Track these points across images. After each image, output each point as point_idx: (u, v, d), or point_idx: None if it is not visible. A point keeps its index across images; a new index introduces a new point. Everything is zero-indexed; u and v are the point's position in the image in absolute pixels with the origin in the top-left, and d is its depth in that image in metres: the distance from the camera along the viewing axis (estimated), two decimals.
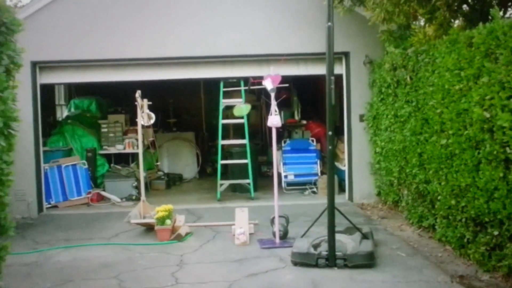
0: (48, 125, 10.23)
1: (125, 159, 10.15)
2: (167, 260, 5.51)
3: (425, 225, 6.19)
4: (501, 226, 4.40)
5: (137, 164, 8.51)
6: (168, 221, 6.22)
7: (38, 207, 8.07)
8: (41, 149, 8.35)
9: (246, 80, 8.00)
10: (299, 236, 5.60)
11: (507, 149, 4.18)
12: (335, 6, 6.86)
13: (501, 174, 4.29)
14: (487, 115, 4.43)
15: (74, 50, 7.95)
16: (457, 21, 6.56)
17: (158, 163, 10.83)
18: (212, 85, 10.39)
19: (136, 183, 9.08)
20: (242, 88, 8.64)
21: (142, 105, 6.81)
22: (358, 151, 8.36)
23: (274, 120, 5.92)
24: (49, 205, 8.46)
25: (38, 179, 8.13)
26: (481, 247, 4.74)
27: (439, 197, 5.58)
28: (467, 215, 4.94)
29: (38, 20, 7.74)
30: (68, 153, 9.37)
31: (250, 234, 6.19)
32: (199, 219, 7.39)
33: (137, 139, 8.62)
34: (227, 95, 8.92)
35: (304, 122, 11.41)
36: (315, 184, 9.20)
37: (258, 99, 11.86)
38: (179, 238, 6.21)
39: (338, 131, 8.88)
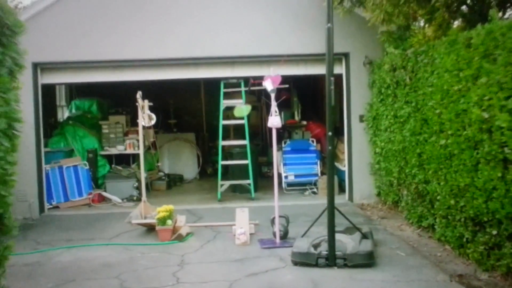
0: (50, 126, 10.27)
1: (126, 160, 10.19)
2: (168, 260, 5.54)
3: (424, 225, 6.22)
4: (499, 225, 4.43)
5: (138, 165, 8.54)
6: (169, 222, 6.25)
7: (40, 208, 8.10)
8: (43, 150, 8.39)
9: (246, 80, 8.04)
10: (299, 236, 5.63)
11: (506, 149, 4.21)
12: (335, 7, 6.90)
13: (500, 174, 4.32)
14: (486, 115, 4.46)
15: (75, 51, 7.99)
16: (456, 22, 6.59)
17: (159, 164, 10.86)
18: (212, 86, 10.43)
19: (137, 183, 9.12)
20: (243, 89, 8.68)
21: (143, 106, 6.84)
22: (358, 152, 8.39)
23: (274, 120, 5.94)
24: (51, 206, 8.50)
25: (40, 180, 8.17)
26: (480, 247, 4.77)
27: (438, 197, 5.61)
28: (466, 215, 4.97)
29: (39, 22, 7.78)
30: (69, 154, 9.40)
31: (251, 234, 6.22)
32: (200, 219, 7.42)
33: (138, 140, 8.65)
34: (228, 96, 8.96)
35: (304, 122, 11.44)
36: (315, 184, 9.23)
37: (259, 100, 11.89)
38: (180, 238, 6.24)
39: (338, 132, 8.92)
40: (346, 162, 8.60)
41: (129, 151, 9.91)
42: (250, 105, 8.14)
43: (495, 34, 4.35)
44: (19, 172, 3.50)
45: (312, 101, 12.30)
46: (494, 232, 4.50)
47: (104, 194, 9.13)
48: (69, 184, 8.75)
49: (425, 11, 6.19)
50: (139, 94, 6.78)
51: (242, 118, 8.57)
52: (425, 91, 5.88)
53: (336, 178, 8.38)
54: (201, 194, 9.65)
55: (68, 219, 7.84)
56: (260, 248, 5.85)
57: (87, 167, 9.10)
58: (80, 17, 8.06)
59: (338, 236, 5.17)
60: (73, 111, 11.54)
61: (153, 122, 7.04)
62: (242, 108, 7.66)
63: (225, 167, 9.24)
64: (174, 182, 10.74)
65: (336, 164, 8.95)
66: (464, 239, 5.10)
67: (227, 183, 8.99)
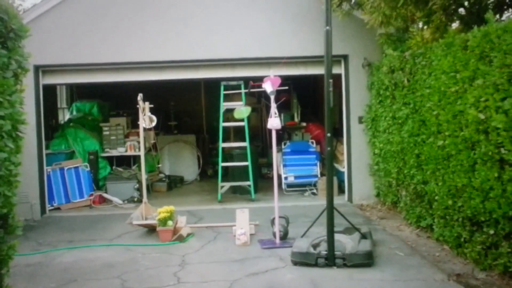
0: (51, 128, 10.34)
1: (127, 161, 10.23)
2: (169, 260, 5.59)
3: (423, 225, 6.27)
4: (496, 225, 4.49)
5: (139, 167, 8.60)
6: (169, 222, 6.30)
7: (41, 209, 8.15)
8: (44, 152, 8.45)
9: (246, 81, 8.10)
10: (299, 236, 5.69)
11: (502, 149, 4.27)
12: (334, 10, 6.96)
13: (496, 174, 4.38)
14: (482, 116, 4.52)
15: (76, 54, 8.05)
16: (455, 24, 6.63)
17: (160, 166, 10.91)
18: (212, 87, 10.49)
19: (137, 185, 9.16)
20: (243, 91, 8.73)
21: (144, 108, 6.89)
22: (357, 153, 8.44)
23: (274, 122, 5.99)
24: (52, 207, 8.55)
25: (41, 181, 8.22)
26: (477, 246, 4.82)
27: (436, 197, 5.66)
28: (463, 215, 5.03)
29: (40, 25, 7.84)
30: (71, 155, 9.44)
31: (251, 234, 6.26)
32: (200, 220, 7.47)
33: (138, 142, 8.69)
34: (228, 98, 9.01)
35: (304, 124, 11.49)
36: (315, 185, 9.28)
37: (259, 102, 11.95)
38: (181, 239, 6.29)
39: (337, 133, 8.97)
40: (345, 163, 8.65)
41: (130, 152, 9.96)
42: (250, 107, 8.19)
43: (491, 36, 4.41)
44: (21, 173, 3.55)
45: (311, 102, 12.36)
46: (491, 232, 4.55)
47: (105, 195, 9.17)
48: (70, 185, 8.80)
49: (422, 13, 6.23)
50: (140, 96, 6.83)
51: (242, 120, 8.62)
52: (422, 92, 5.94)
53: (335, 179, 8.47)
54: (202, 195, 9.70)
55: (70, 220, 7.89)
56: (260, 248, 5.90)
57: (88, 168, 9.15)
58: (81, 20, 8.12)
59: (337, 236, 5.22)
60: (74, 113, 11.58)
61: (153, 124, 7.07)
62: (242, 110, 7.70)
63: (225, 169, 9.29)
64: (175, 183, 10.80)
65: (336, 165, 9.02)
66: (462, 239, 5.15)
67: (228, 185, 9.04)
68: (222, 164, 9.00)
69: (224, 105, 8.92)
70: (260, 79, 6.22)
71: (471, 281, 4.65)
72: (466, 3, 6.16)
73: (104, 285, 4.91)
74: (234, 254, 5.70)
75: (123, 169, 9.69)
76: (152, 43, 8.12)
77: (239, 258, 5.54)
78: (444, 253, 5.50)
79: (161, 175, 10.80)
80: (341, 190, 8.88)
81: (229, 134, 10.83)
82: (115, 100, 11.86)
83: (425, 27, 6.73)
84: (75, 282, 4.98)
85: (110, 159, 10.00)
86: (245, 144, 8.97)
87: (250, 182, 8.86)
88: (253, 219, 6.59)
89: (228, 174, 9.52)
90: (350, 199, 8.53)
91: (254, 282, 4.83)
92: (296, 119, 11.89)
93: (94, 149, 9.70)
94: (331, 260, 5.05)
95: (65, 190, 8.76)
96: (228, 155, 9.57)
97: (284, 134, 11.13)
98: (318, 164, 9.70)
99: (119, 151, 9.91)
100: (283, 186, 9.46)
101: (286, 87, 6.46)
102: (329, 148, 5.26)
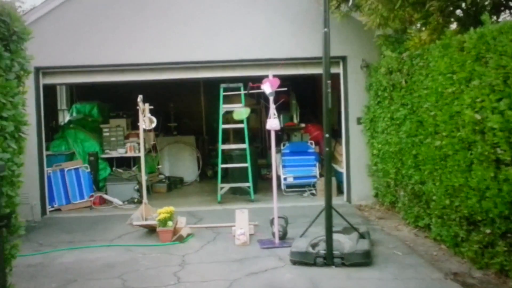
0: (51, 129, 10.37)
1: (127, 162, 10.27)
2: (169, 260, 5.62)
3: (421, 225, 6.31)
4: (493, 224, 4.53)
5: (139, 168, 8.64)
6: (169, 223, 6.34)
7: (42, 210, 8.19)
8: (44, 153, 8.49)
9: (246, 82, 8.15)
10: (298, 236, 5.73)
11: (498, 149, 4.32)
12: (332, 12, 7.01)
13: (492, 174, 4.43)
14: (478, 117, 4.57)
15: (76, 55, 8.10)
16: (452, 26, 6.68)
17: (159, 167, 10.95)
18: (212, 89, 10.52)
19: (137, 186, 9.20)
20: (242, 92, 8.78)
21: (144, 109, 6.93)
22: (356, 154, 8.49)
23: (273, 123, 6.02)
24: (52, 208, 8.59)
25: (42, 182, 8.27)
26: (474, 245, 4.87)
27: (433, 197, 5.71)
28: (460, 214, 5.08)
29: (40, 27, 7.86)
30: (71, 157, 9.49)
31: (250, 234, 6.30)
32: (200, 221, 7.50)
33: (138, 143, 8.74)
34: (227, 99, 9.05)
35: (303, 125, 11.52)
36: (314, 186, 9.32)
37: (258, 103, 11.99)
38: (181, 239, 6.33)
39: (336, 134, 9.02)
40: (344, 164, 8.70)
41: (130, 154, 10.00)
42: (249, 108, 8.24)
43: (487, 38, 4.46)
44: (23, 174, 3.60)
45: (310, 103, 12.40)
46: (488, 231, 4.60)
47: (105, 196, 9.21)
48: (71, 186, 8.85)
49: (420, 15, 6.27)
50: (140, 98, 6.87)
51: (241, 122, 8.67)
52: (420, 93, 5.99)
53: (334, 180, 8.51)
54: (201, 196, 9.74)
55: (70, 221, 7.93)
56: (260, 248, 5.93)
57: (88, 170, 9.19)
58: (81, 22, 8.17)
59: (335, 236, 5.27)
60: (74, 114, 11.64)
61: (153, 125, 7.11)
62: (241, 111, 7.76)
63: (225, 170, 9.33)
64: (175, 184, 10.84)
65: (335, 166, 9.07)
66: (459, 238, 5.20)
67: (227, 186, 9.08)
68: (221, 165, 9.04)
69: (223, 108, 8.95)
70: (260, 80, 6.26)
71: (468, 280, 4.70)
72: (463, 5, 6.21)
73: (105, 285, 4.94)
74: (234, 254, 5.74)
75: (123, 170, 9.73)
76: (152, 45, 8.17)
77: (238, 258, 5.58)
78: (441, 252, 5.55)
79: (161, 176, 10.84)
80: (340, 191, 8.92)
81: (228, 136, 10.87)
82: (115, 102, 11.90)
83: (423, 28, 6.78)
84: (75, 282, 5.01)
85: (110, 160, 10.04)
86: (245, 145, 9.00)
87: (249, 184, 8.89)
88: (252, 220, 6.62)
89: (228, 175, 9.56)
90: (349, 199, 8.57)
91: (254, 281, 4.87)
92: (295, 120, 11.92)
93: (94, 150, 9.75)
94: (329, 259, 5.10)
95: (66, 191, 8.80)
96: (228, 156, 9.61)
97: (283, 135, 11.17)
98: (317, 165, 9.74)
99: (119, 152, 9.96)
100: (283, 187, 9.50)
101: (285, 88, 6.50)
102: (327, 149, 5.31)
